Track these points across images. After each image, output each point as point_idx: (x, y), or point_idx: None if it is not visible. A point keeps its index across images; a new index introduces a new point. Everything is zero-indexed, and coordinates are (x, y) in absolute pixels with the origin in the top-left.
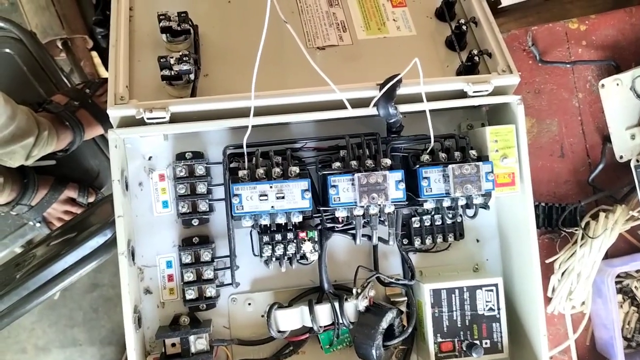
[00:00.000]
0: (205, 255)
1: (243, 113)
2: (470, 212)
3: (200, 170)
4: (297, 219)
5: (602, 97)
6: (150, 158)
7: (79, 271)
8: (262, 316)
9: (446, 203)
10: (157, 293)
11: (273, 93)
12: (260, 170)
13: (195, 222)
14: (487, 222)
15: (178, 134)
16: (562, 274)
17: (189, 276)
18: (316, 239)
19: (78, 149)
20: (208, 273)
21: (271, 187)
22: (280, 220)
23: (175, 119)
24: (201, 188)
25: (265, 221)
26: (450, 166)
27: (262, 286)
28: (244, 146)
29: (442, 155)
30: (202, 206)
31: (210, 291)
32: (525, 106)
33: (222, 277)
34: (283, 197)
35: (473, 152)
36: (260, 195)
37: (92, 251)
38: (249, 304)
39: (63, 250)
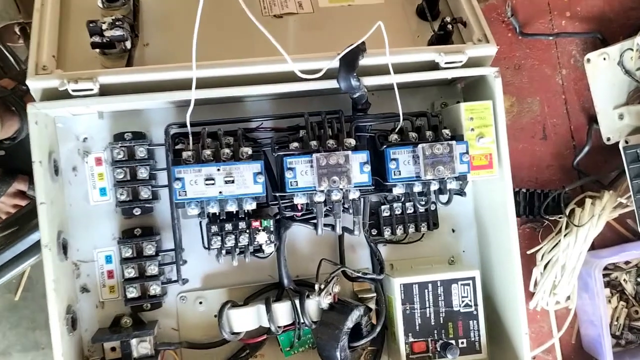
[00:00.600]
0: (149, 249)
1: (185, 85)
2: (444, 198)
3: (141, 152)
4: (250, 206)
5: (587, 74)
6: (85, 139)
7: (19, 266)
8: (215, 316)
9: (417, 188)
10: (95, 291)
11: (217, 63)
12: (207, 152)
13: (136, 211)
14: (464, 211)
15: (117, 112)
16: (545, 266)
17: (130, 272)
18: (272, 229)
19: (28, 137)
20: (152, 269)
21: (219, 169)
22: (231, 207)
23: (107, 92)
24: (142, 173)
25: (213, 209)
26: (420, 145)
27: (215, 283)
28: (188, 123)
29: (413, 134)
30: (144, 193)
31: (154, 289)
32: (504, 83)
33: (169, 273)
34: (232, 182)
35: (446, 132)
36: (206, 179)
37: (33, 245)
38: (200, 302)
39: (2, 245)
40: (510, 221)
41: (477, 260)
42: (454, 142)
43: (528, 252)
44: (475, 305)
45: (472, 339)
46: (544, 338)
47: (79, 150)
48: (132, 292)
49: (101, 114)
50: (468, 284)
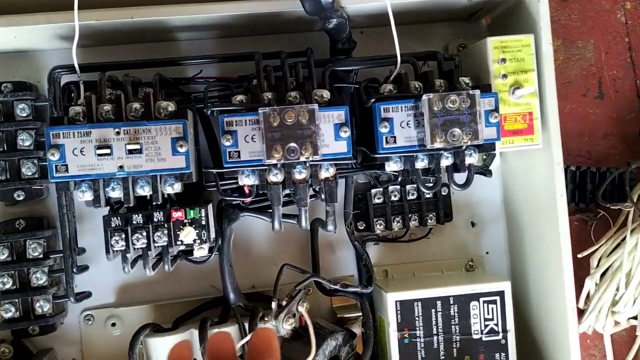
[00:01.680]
0: (33, 249)
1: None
2: (460, 178)
3: (22, 111)
4: (171, 189)
5: None
6: None
7: None
8: None
9: (421, 163)
10: None
11: None
12: (107, 107)
13: (19, 195)
14: (488, 196)
15: None
16: (603, 274)
17: (6, 282)
18: (205, 222)
19: None
20: (37, 277)
21: (118, 132)
22: (143, 191)
23: None
24: (24, 140)
25: (115, 193)
26: (425, 97)
27: (135, 297)
28: (75, 62)
29: (416, 84)
30: (27, 170)
31: (42, 306)
32: None
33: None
34: (139, 151)
35: (465, 80)
36: (99, 148)
37: None
38: (113, 324)
39: None
40: (560, 212)
41: (507, 267)
42: (477, 92)
43: (579, 256)
44: (504, 331)
45: None
46: None
47: None
48: (9, 311)
49: None
50: (494, 301)
